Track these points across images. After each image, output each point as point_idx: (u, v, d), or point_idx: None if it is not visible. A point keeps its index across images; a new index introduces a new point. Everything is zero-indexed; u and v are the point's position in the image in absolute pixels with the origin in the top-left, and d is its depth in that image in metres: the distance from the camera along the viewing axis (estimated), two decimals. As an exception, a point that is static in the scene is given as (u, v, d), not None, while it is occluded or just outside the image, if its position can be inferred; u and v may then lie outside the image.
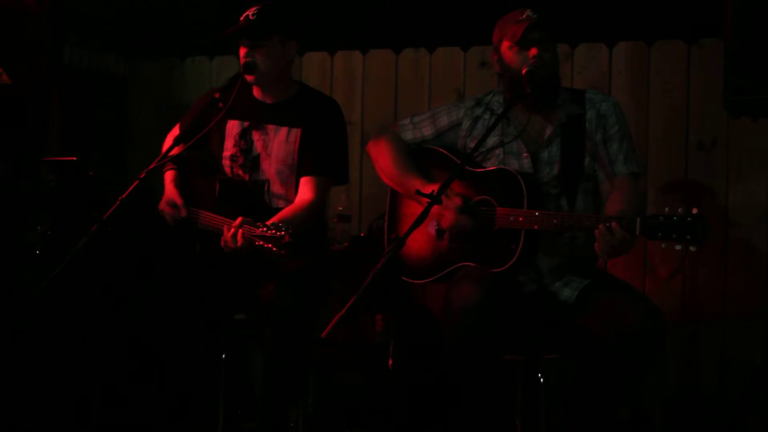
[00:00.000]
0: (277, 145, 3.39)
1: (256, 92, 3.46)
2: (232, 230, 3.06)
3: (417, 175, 3.19)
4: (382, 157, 3.30)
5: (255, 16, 3.30)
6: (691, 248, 2.63)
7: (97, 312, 3.95)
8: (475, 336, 2.87)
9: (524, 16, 3.06)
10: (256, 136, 3.42)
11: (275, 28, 3.32)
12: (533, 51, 3.03)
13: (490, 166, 3.13)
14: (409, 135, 3.32)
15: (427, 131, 3.30)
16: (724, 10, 3.20)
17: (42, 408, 3.85)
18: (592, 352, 2.92)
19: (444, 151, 3.25)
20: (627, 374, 2.92)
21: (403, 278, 3.22)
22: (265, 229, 2.97)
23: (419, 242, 3.13)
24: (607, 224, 2.74)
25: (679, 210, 2.64)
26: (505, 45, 3.10)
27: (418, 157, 3.29)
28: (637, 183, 3.14)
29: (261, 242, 2.97)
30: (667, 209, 2.66)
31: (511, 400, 3.28)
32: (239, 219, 3.06)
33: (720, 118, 3.94)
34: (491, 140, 3.13)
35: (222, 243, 3.10)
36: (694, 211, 2.62)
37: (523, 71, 3.02)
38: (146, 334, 3.19)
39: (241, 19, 3.34)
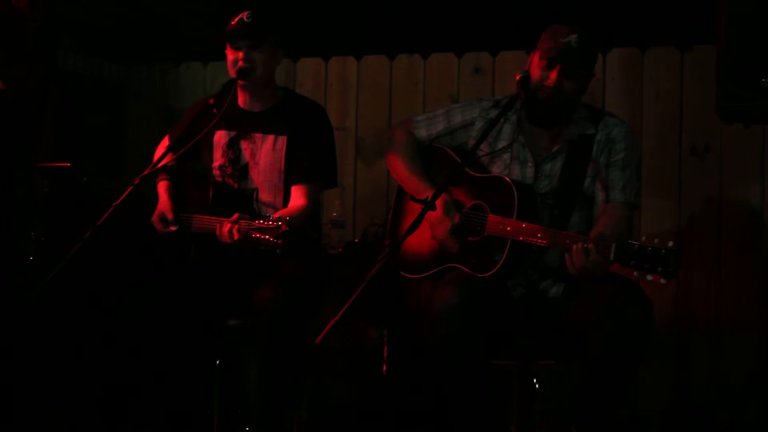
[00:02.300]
0: (264, 153, 3.39)
1: (242, 101, 3.46)
2: (228, 225, 3.07)
3: (420, 179, 3.20)
4: (393, 156, 3.31)
5: (250, 18, 3.30)
6: (662, 281, 2.62)
7: (91, 318, 3.94)
8: (454, 338, 2.87)
9: (565, 40, 2.99)
10: (244, 145, 3.42)
11: (269, 30, 3.34)
12: (553, 75, 3.00)
13: (495, 170, 3.14)
14: (423, 132, 3.31)
15: (441, 127, 3.29)
16: (717, 17, 3.21)
17: (36, 414, 3.83)
18: (586, 346, 2.87)
19: (451, 153, 3.25)
20: (623, 358, 2.83)
21: (402, 273, 3.24)
22: (261, 221, 2.99)
23: (418, 238, 3.12)
24: (584, 245, 2.75)
25: (656, 241, 2.64)
26: (537, 54, 3.07)
27: (428, 157, 3.29)
28: (631, 213, 3.13)
29: (258, 234, 2.98)
30: (643, 238, 2.67)
31: (506, 406, 3.28)
32: (236, 215, 3.08)
33: (713, 124, 3.95)
34: (500, 144, 3.14)
35: (223, 240, 3.10)
36: (670, 243, 2.62)
37: (517, 77, 3.04)
38: (140, 340, 3.19)
39: (233, 22, 3.33)
